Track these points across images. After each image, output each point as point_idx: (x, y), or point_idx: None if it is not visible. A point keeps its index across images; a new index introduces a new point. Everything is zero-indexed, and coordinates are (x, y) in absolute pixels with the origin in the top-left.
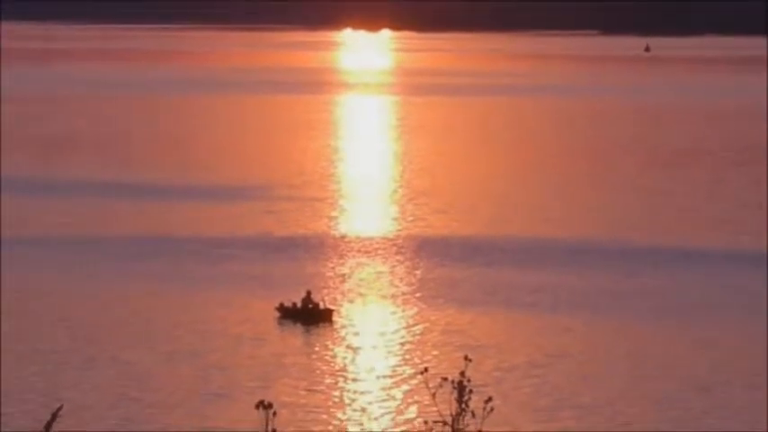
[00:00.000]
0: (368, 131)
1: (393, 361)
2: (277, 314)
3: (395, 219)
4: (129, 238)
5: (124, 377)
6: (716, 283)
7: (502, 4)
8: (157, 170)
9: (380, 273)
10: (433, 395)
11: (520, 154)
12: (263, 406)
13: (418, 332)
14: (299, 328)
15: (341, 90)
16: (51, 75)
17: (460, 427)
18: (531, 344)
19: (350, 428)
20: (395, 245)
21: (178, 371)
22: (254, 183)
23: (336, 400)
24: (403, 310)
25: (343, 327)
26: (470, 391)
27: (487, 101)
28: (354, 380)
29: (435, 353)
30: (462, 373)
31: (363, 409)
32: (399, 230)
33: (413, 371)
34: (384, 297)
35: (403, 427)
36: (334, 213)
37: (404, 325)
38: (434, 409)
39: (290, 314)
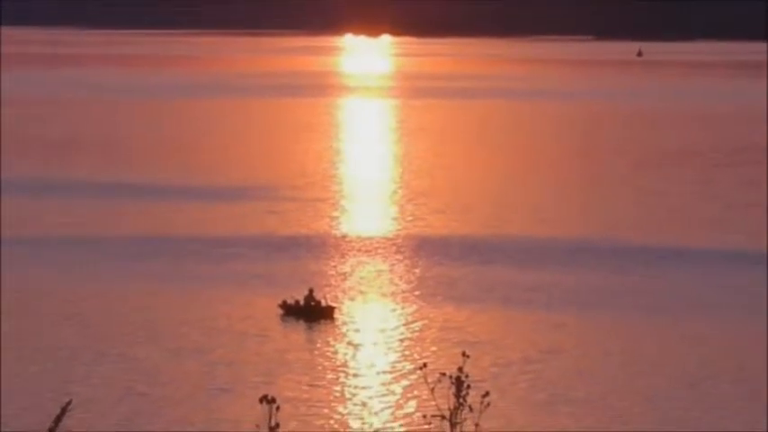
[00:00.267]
0: (368, 134)
1: (393, 357)
2: (280, 311)
3: (395, 219)
4: (135, 238)
5: (132, 373)
6: (706, 281)
7: (499, 9)
8: (163, 172)
9: (380, 271)
10: (432, 390)
11: (516, 156)
12: (267, 401)
13: (417, 329)
14: (301, 324)
15: (342, 93)
16: (58, 79)
17: (458, 421)
18: (527, 340)
19: (351, 423)
20: (394, 244)
21: (184, 366)
22: (257, 184)
23: (338, 394)
24: (402, 308)
25: (345, 323)
26: (468, 387)
27: (485, 104)
28: (355, 375)
29: (434, 349)
30: (460, 369)
31: (364, 404)
32: (399, 230)
33: (412, 366)
34: (384, 295)
35: (402, 422)
36: (335, 213)
37: (403, 322)
38: (433, 403)
39: (292, 311)
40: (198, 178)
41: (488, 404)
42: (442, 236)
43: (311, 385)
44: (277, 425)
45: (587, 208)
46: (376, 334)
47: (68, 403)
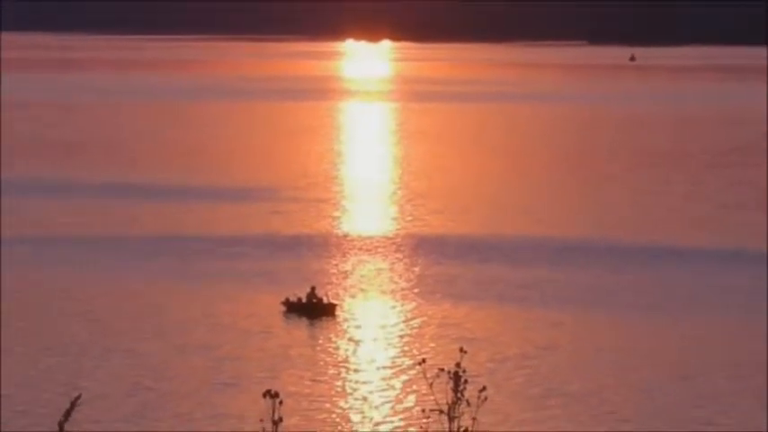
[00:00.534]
0: (368, 136)
1: (392, 352)
2: (283, 308)
3: (394, 219)
4: (143, 238)
5: (139, 368)
6: (697, 279)
7: (495, 15)
8: (170, 173)
9: (381, 269)
10: (431, 385)
11: (512, 157)
12: (270, 395)
13: (416, 325)
14: (303, 321)
15: (343, 97)
16: (68, 82)
17: (456, 415)
18: (523, 336)
19: (352, 417)
20: (394, 243)
21: (190, 362)
22: (260, 185)
23: (339, 389)
24: (402, 305)
25: (346, 320)
26: (465, 381)
27: (482, 107)
28: (356, 370)
29: (432, 345)
30: (458, 364)
31: (364, 398)
32: (398, 230)
33: (411, 362)
34: (384, 292)
35: (402, 416)
36: (336, 213)
37: (403, 319)
38: (431, 397)
39: (295, 308)
40: (203, 179)
41: (485, 398)
42: (440, 235)
43: (313, 380)
44: (280, 419)
45: (581, 208)
46: (376, 330)
47: (78, 397)
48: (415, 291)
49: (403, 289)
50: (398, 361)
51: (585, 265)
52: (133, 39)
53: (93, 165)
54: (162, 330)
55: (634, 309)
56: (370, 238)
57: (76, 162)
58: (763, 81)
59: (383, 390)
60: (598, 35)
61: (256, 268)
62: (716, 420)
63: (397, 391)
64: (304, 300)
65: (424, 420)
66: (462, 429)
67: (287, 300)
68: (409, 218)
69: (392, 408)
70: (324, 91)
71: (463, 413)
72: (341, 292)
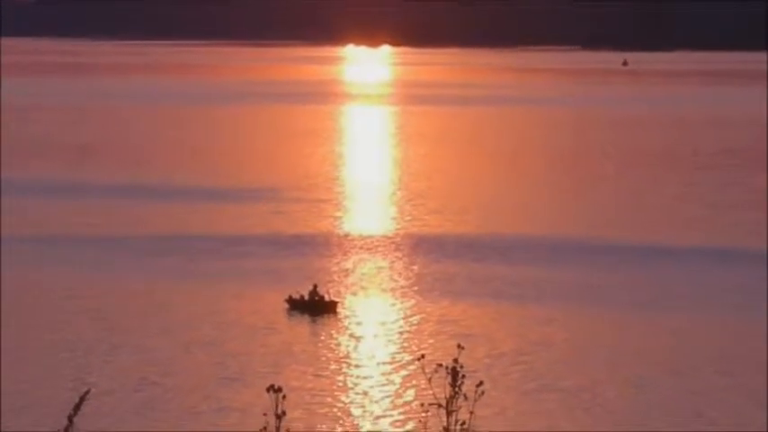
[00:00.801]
0: (369, 139)
1: (392, 348)
2: (286, 306)
3: (394, 219)
4: (151, 237)
5: (146, 363)
6: (688, 277)
7: (492, 21)
8: (176, 175)
9: (381, 268)
10: (429, 380)
11: (508, 159)
12: (274, 390)
13: (415, 322)
14: (306, 318)
15: (344, 101)
16: (78, 87)
17: (454, 409)
18: (518, 333)
19: (353, 410)
20: (394, 242)
21: (196, 357)
22: (264, 186)
23: (340, 384)
24: (401, 302)
25: (347, 317)
26: (463, 376)
27: (479, 110)
28: (357, 366)
29: (431, 341)
30: (456, 360)
31: (365, 393)
32: (398, 229)
33: (410, 357)
34: (384, 290)
35: (401, 409)
36: (338, 214)
37: (402, 316)
38: (430, 392)
39: (298, 306)
40: (209, 181)
41: (482, 393)
42: (438, 235)
43: (316, 375)
44: (283, 412)
45: (575, 208)
46: (376, 327)
47: (87, 392)
48: (414, 289)
49: (402, 287)
50: (398, 356)
51: (579, 264)
52: (140, 44)
53: (101, 167)
54: (168, 327)
55: (626, 306)
56: (370, 237)
57: (86, 164)
58: (752, 85)
59: (383, 384)
60: (592, 40)
61: (260, 267)
62: (706, 413)
63: (397, 386)
64: (306, 297)
65: (423, 414)
66: (460, 423)
67: (290, 297)
68: (408, 218)
69: (392, 402)
70: (325, 95)
71: (461, 407)
72: (342, 289)
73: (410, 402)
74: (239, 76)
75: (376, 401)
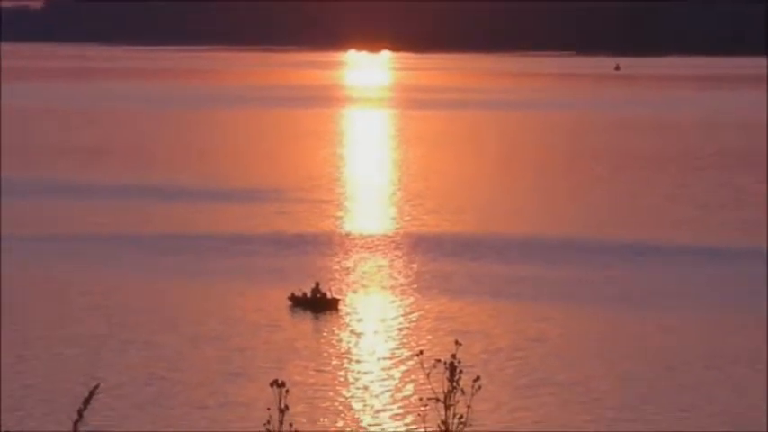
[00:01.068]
0: (369, 141)
1: (392, 344)
2: (289, 303)
3: (393, 218)
4: (158, 236)
5: (154, 359)
6: (679, 275)
7: (489, 27)
8: (182, 176)
9: (381, 266)
10: (428, 375)
11: (505, 161)
12: (277, 384)
13: (414, 319)
14: (308, 315)
15: (345, 104)
16: (89, 91)
17: (452, 403)
18: (515, 329)
19: (353, 405)
20: (393, 241)
21: (202, 353)
22: (268, 187)
23: (342, 379)
24: (401, 300)
25: (348, 314)
26: (461, 372)
27: (476, 114)
28: (358, 361)
29: (429, 337)
30: (453, 356)
31: (366, 387)
32: (397, 229)
33: (409, 353)
34: (384, 288)
35: (400, 404)
36: (339, 213)
37: (402, 312)
38: (429, 387)
39: (300, 303)
40: (214, 182)
41: (479, 387)
42: (436, 234)
43: (318, 370)
44: (286, 407)
45: (570, 208)
46: (377, 324)
47: (96, 386)
48: (414, 286)
49: (402, 284)
50: (398, 352)
51: (574, 262)
52: (147, 50)
53: (111, 168)
54: (175, 323)
55: (620, 303)
56: (370, 236)
57: (95, 165)
58: (742, 89)
59: (383, 379)
60: (585, 46)
61: (264, 265)
62: (697, 407)
63: (397, 381)
64: (309, 295)
65: (422, 408)
66: (458, 416)
67: (293, 295)
68: (408, 218)
69: (392, 396)
70: (327, 98)
71: (458, 401)
72: (344, 287)
73: (409, 397)
74: (244, 81)
75: (376, 396)
